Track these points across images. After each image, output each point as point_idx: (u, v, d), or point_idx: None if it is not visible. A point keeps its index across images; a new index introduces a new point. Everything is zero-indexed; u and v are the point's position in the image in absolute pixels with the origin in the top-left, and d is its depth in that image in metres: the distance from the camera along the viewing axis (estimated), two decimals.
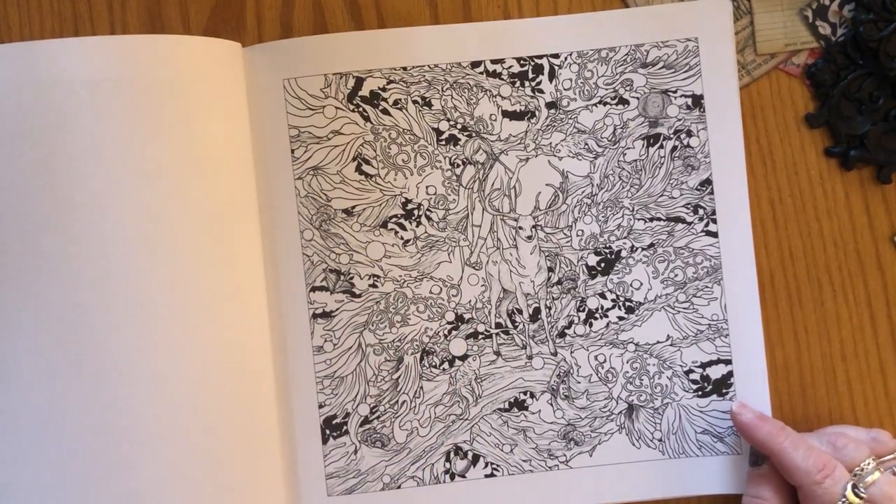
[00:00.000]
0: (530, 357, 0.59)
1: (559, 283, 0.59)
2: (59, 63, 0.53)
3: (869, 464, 0.52)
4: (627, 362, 0.58)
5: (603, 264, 0.59)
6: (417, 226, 0.58)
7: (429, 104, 0.58)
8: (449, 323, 0.59)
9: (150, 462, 0.54)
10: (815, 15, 0.59)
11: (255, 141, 0.58)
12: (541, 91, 0.58)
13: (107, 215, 0.54)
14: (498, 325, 0.59)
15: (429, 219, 0.58)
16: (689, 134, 0.58)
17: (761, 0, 0.59)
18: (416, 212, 0.58)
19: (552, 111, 0.58)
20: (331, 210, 0.58)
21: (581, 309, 0.59)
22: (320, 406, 0.58)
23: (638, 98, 0.58)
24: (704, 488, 0.58)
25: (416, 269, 0.59)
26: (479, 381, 0.59)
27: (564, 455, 0.58)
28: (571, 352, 0.59)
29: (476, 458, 0.59)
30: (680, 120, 0.58)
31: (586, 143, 0.59)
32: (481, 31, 0.58)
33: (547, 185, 0.59)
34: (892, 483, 0.52)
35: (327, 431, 0.58)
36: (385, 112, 0.58)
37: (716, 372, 0.58)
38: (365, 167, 0.58)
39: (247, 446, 0.55)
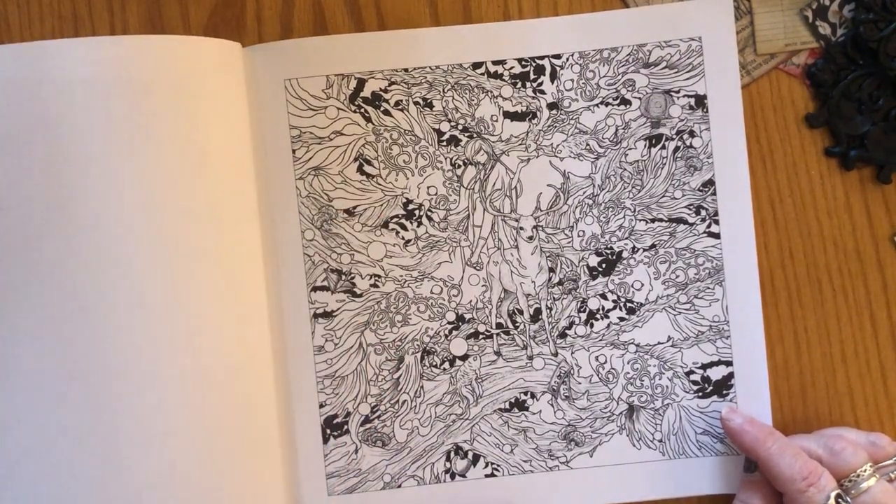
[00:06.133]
0: (531, 357, 0.59)
1: (560, 283, 0.59)
2: (60, 63, 0.53)
3: (865, 470, 0.52)
4: (628, 363, 0.59)
5: (604, 265, 0.59)
6: (418, 226, 0.58)
7: (430, 105, 0.58)
8: (450, 323, 0.59)
9: (150, 462, 0.54)
10: (815, 15, 0.59)
11: (255, 141, 0.57)
12: (542, 92, 0.58)
13: (106, 215, 0.53)
14: (499, 326, 0.59)
15: (430, 219, 0.58)
16: (692, 134, 0.58)
17: (761, 0, 0.59)
18: (417, 212, 0.58)
19: (553, 112, 0.58)
20: (332, 210, 0.58)
21: (582, 310, 0.59)
22: (321, 405, 0.58)
23: (640, 98, 0.58)
24: (705, 488, 0.58)
25: (416, 269, 0.59)
26: (479, 381, 0.59)
27: (565, 455, 0.58)
28: (572, 352, 0.59)
29: (476, 458, 0.59)
30: (683, 120, 0.58)
31: (588, 144, 0.58)
32: (482, 33, 0.58)
33: (548, 185, 0.59)
34: (886, 491, 0.51)
35: (328, 431, 0.58)
36: (386, 113, 0.58)
37: (716, 373, 0.58)
38: (366, 167, 0.58)
39: (247, 446, 0.55)
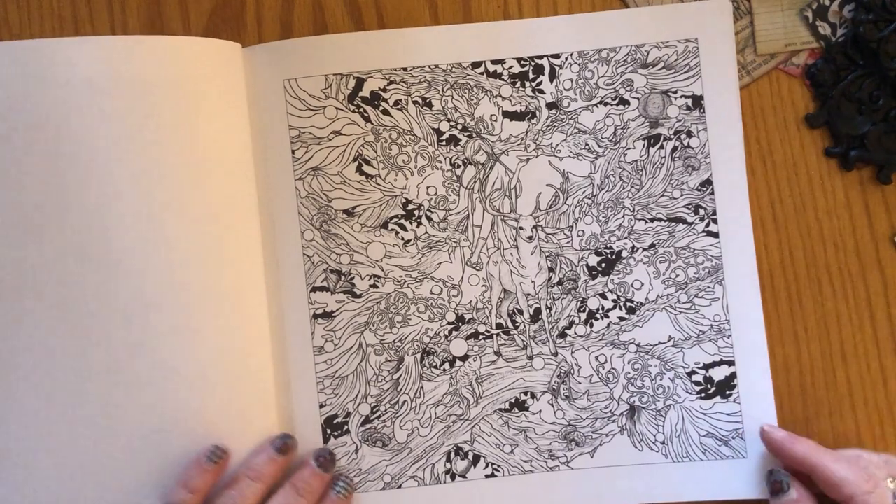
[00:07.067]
0: (531, 357, 0.59)
1: (560, 283, 0.59)
2: (60, 62, 0.53)
3: (892, 482, 0.52)
4: (628, 363, 0.58)
5: (604, 265, 0.59)
6: (418, 226, 0.58)
7: (429, 105, 0.58)
8: (449, 323, 0.59)
9: (149, 462, 0.54)
10: (815, 15, 0.59)
11: (255, 141, 0.57)
12: (541, 91, 0.58)
13: (107, 215, 0.54)
14: (499, 326, 0.59)
15: (429, 219, 0.58)
16: (690, 134, 0.58)
17: (761, 0, 0.59)
18: (416, 212, 0.58)
19: (553, 111, 0.58)
20: (331, 210, 0.58)
21: (582, 309, 0.59)
22: (321, 406, 0.58)
23: (638, 98, 0.58)
24: (709, 493, 0.58)
25: (416, 269, 0.59)
26: (479, 381, 0.59)
27: (565, 456, 0.58)
28: (572, 352, 0.59)
29: (477, 459, 0.59)
30: (680, 120, 0.58)
31: (587, 144, 0.59)
32: (481, 32, 0.58)
33: (547, 185, 0.59)
34: None
35: (328, 431, 0.58)
36: (385, 113, 0.58)
37: (719, 373, 0.58)
38: (365, 167, 0.58)
39: (247, 446, 0.55)
